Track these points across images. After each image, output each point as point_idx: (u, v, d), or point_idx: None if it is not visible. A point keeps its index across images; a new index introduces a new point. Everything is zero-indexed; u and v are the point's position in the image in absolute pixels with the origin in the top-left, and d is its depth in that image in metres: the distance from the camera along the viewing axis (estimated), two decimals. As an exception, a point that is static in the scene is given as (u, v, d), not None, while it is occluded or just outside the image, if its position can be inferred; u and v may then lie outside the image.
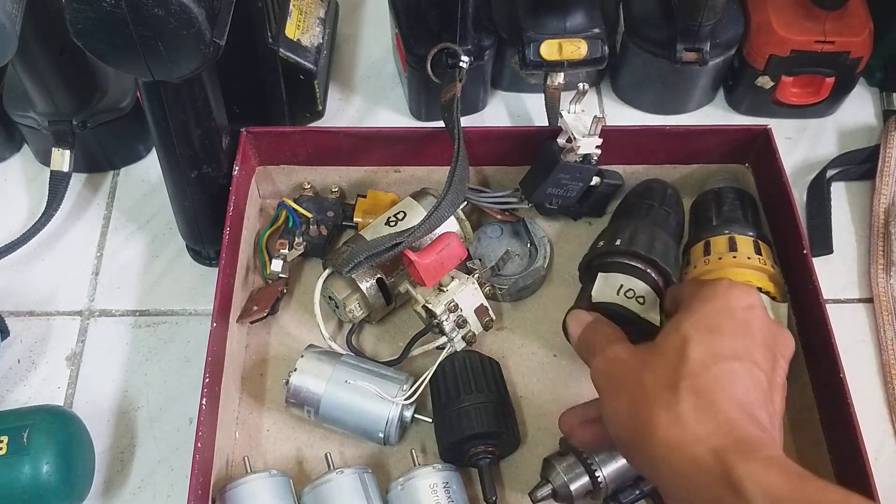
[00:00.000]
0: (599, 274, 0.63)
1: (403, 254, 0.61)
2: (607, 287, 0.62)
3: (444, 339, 0.62)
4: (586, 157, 0.66)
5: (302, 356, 0.61)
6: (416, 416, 0.61)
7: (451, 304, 0.62)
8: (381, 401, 0.59)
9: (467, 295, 0.63)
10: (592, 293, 0.62)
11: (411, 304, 0.64)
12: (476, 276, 0.64)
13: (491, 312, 0.65)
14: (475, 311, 0.63)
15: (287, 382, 0.60)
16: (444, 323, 0.62)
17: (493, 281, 0.66)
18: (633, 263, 0.63)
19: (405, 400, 0.59)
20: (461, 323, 0.62)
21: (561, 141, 0.67)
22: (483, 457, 0.59)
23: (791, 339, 0.50)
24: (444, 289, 0.62)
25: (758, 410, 0.45)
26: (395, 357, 0.63)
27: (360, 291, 0.64)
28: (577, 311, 0.58)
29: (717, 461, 0.42)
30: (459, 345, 0.63)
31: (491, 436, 0.59)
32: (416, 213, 0.65)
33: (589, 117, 0.65)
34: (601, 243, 0.66)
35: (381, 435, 0.59)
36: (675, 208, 0.69)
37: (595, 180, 0.69)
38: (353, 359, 0.62)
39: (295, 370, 0.60)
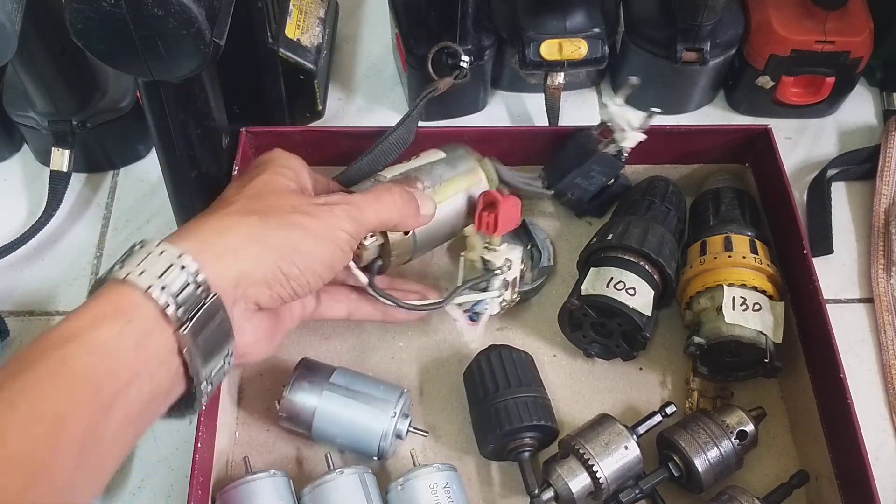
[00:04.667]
0: (591, 269, 0.63)
1: (486, 193, 0.59)
2: (598, 280, 0.62)
3: (479, 296, 0.59)
4: (619, 152, 0.66)
5: (292, 377, 0.60)
6: (411, 429, 0.61)
7: (508, 263, 0.60)
8: (374, 419, 0.58)
9: (515, 262, 0.61)
10: (581, 286, 0.62)
11: (462, 251, 0.61)
12: (522, 250, 0.62)
13: (517, 290, 0.63)
14: (511, 283, 0.62)
15: (279, 402, 0.59)
16: (495, 279, 0.59)
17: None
18: (624, 257, 0.63)
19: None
20: (505, 286, 0.60)
21: (595, 133, 0.66)
22: (523, 450, 0.59)
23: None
24: (496, 248, 0.60)
25: None
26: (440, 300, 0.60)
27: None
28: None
29: None
30: (494, 308, 0.60)
31: (534, 429, 0.59)
32: (433, 155, 0.62)
33: (630, 111, 0.64)
34: (594, 239, 0.66)
35: (376, 457, 0.59)
36: (677, 205, 0.69)
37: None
38: (343, 377, 0.60)
39: (284, 395, 0.59)
